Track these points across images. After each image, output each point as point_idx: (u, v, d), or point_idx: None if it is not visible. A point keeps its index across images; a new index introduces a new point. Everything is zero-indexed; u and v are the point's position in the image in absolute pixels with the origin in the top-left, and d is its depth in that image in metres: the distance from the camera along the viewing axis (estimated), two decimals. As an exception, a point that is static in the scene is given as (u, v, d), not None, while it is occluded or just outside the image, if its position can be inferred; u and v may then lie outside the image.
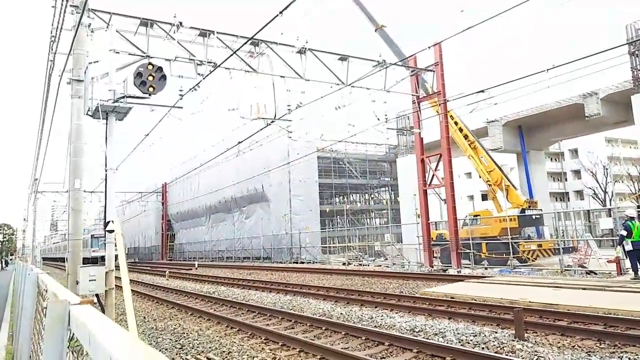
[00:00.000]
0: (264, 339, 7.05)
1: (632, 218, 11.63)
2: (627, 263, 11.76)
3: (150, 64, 8.95)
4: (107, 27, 10.32)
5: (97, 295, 6.86)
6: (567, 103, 23.71)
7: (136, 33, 11.04)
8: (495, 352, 5.57)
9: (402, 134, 31.15)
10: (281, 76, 13.03)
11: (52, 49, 9.41)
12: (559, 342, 6.02)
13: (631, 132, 25.63)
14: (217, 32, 11.85)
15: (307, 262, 27.34)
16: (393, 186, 39.17)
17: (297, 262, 27.76)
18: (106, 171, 7.61)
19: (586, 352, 5.46)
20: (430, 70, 18.09)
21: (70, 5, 8.08)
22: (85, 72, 7.55)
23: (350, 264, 23.71)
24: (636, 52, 19.04)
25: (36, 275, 2.57)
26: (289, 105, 13.36)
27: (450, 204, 17.73)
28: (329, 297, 11.36)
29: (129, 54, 10.61)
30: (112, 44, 10.10)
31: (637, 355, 5.23)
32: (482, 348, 5.85)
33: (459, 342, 6.26)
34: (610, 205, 36.20)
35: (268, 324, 8.23)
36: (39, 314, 2.11)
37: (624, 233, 11.35)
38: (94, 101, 7.38)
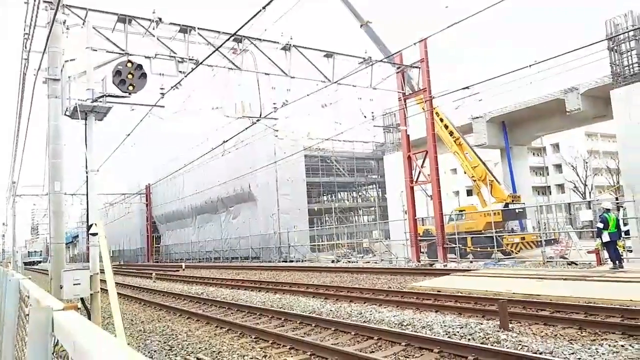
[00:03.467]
0: (254, 338, 7.03)
1: (608, 210, 11.99)
2: (606, 254, 12.16)
3: (129, 61, 8.76)
4: (83, 23, 10.02)
5: (82, 299, 6.71)
6: (549, 98, 24.28)
7: (114, 30, 10.76)
8: (481, 343, 5.70)
9: (388, 131, 31.37)
10: (266, 73, 12.93)
11: (25, 47, 9.08)
12: (542, 332, 6.20)
13: (610, 127, 26.45)
14: (199, 28, 11.65)
15: (296, 261, 27.33)
16: (380, 183, 39.47)
17: (285, 261, 27.71)
18: (87, 173, 7.42)
19: (568, 341, 5.64)
20: (416, 67, 18.26)
21: (44, 1, 7.81)
22: (61, 71, 7.32)
23: (339, 261, 23.82)
24: (615, 48, 19.64)
25: (17, 281, 2.49)
26: (274, 104, 13.28)
27: (437, 200, 17.99)
28: (319, 294, 11.40)
29: (107, 52, 10.34)
30: (88, 41, 9.81)
31: (616, 342, 5.43)
32: (468, 339, 5.98)
33: (446, 334, 6.38)
34: (590, 197, 37.40)
35: (258, 323, 8.20)
36: (22, 321, 2.05)
37: (601, 225, 11.68)
38: (71, 101, 7.17)
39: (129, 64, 8.57)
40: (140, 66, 8.62)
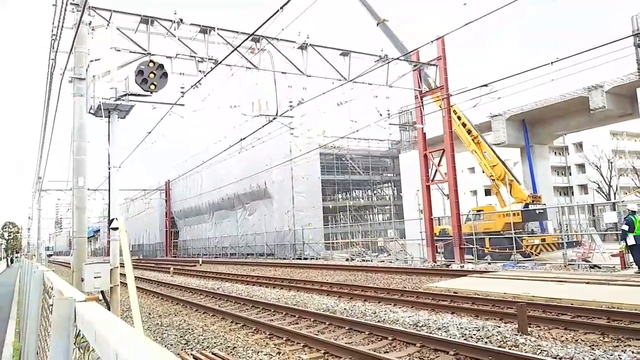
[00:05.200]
0: (269, 334, 7.10)
1: (634, 212, 11.57)
2: (631, 257, 11.71)
3: (151, 61, 8.96)
4: (108, 24, 10.31)
5: (102, 292, 6.92)
6: (572, 96, 23.52)
7: (137, 30, 11.03)
8: (499, 347, 5.59)
9: (404, 129, 31.05)
10: (282, 72, 13.00)
11: (53, 48, 9.42)
12: (562, 336, 6.03)
13: (636, 125, 25.41)
14: (218, 29, 11.81)
15: (311, 258, 27.43)
16: (396, 182, 39.12)
17: (300, 258, 27.84)
18: (109, 169, 7.64)
19: (589, 346, 5.46)
20: (433, 65, 17.97)
21: (71, 4, 8.07)
22: (86, 71, 7.56)
23: (353, 259, 23.76)
24: (641, 44, 18.80)
25: (41, 273, 2.60)
26: (290, 102, 13.34)
27: (453, 199, 17.69)
28: (333, 293, 11.41)
29: (130, 52, 10.61)
30: (113, 41, 10.09)
31: (641, 348, 5.23)
32: (485, 342, 5.87)
33: (462, 336, 6.28)
34: (615, 199, 35.98)
35: (272, 319, 8.28)
36: (45, 311, 2.14)
37: (626, 228, 11.31)
38: (96, 99, 7.39)
39: (151, 64, 8.77)
40: (161, 66, 8.81)
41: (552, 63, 10.71)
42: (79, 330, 1.25)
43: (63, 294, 1.44)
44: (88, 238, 8.71)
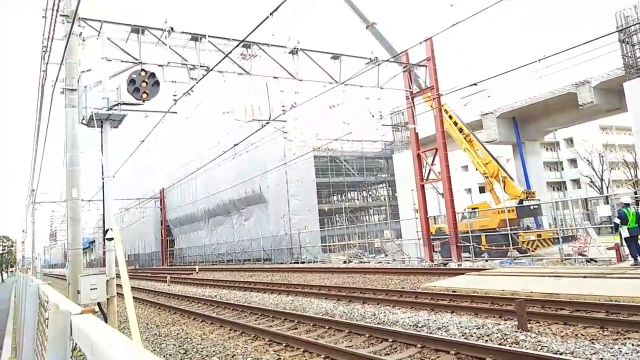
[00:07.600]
0: (268, 341, 7.06)
1: (627, 205, 11.69)
2: (627, 250, 11.82)
3: (143, 70, 8.92)
4: (98, 35, 10.28)
5: (98, 303, 6.84)
6: (560, 92, 23.81)
7: (127, 40, 11.02)
8: (499, 344, 5.60)
9: (397, 130, 31.18)
10: (274, 77, 13.04)
11: (44, 59, 9.36)
12: (562, 332, 6.06)
13: (625, 119, 25.78)
14: (209, 36, 11.84)
15: (308, 262, 27.35)
16: (390, 182, 39.24)
17: (297, 262, 27.76)
18: (103, 179, 7.58)
19: (589, 340, 5.50)
20: (423, 66, 18.13)
21: (61, 15, 8.04)
22: (78, 81, 7.52)
23: (350, 261, 23.74)
24: (626, 40, 19.16)
25: (37, 287, 2.57)
26: (283, 106, 13.37)
27: (448, 198, 17.78)
28: (331, 296, 11.38)
29: (122, 61, 10.59)
30: (103, 51, 10.07)
31: None
32: (486, 340, 5.88)
33: (463, 335, 6.29)
34: (607, 192, 36.40)
35: (271, 325, 8.24)
36: (41, 325, 2.11)
37: (618, 221, 11.42)
38: (88, 110, 7.34)
39: (143, 73, 8.73)
40: (153, 74, 8.78)
41: (539, 60, 10.86)
42: (76, 344, 1.24)
43: (59, 307, 1.43)
44: (83, 249, 8.62)
